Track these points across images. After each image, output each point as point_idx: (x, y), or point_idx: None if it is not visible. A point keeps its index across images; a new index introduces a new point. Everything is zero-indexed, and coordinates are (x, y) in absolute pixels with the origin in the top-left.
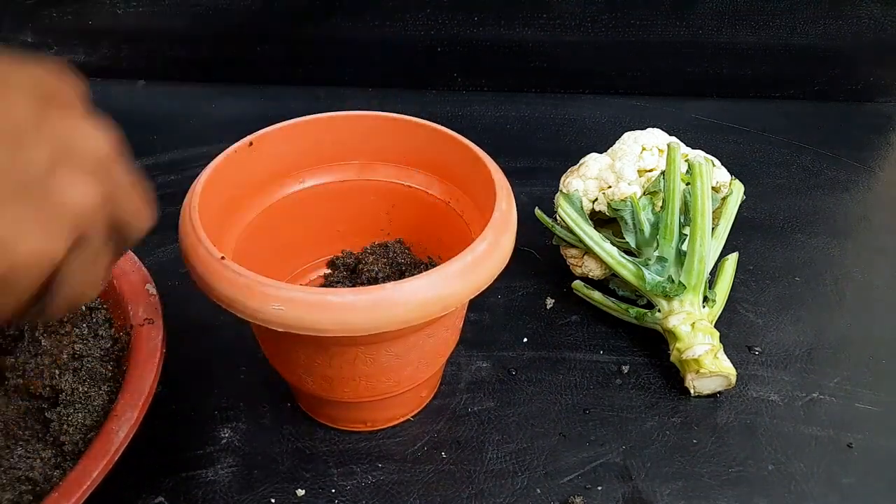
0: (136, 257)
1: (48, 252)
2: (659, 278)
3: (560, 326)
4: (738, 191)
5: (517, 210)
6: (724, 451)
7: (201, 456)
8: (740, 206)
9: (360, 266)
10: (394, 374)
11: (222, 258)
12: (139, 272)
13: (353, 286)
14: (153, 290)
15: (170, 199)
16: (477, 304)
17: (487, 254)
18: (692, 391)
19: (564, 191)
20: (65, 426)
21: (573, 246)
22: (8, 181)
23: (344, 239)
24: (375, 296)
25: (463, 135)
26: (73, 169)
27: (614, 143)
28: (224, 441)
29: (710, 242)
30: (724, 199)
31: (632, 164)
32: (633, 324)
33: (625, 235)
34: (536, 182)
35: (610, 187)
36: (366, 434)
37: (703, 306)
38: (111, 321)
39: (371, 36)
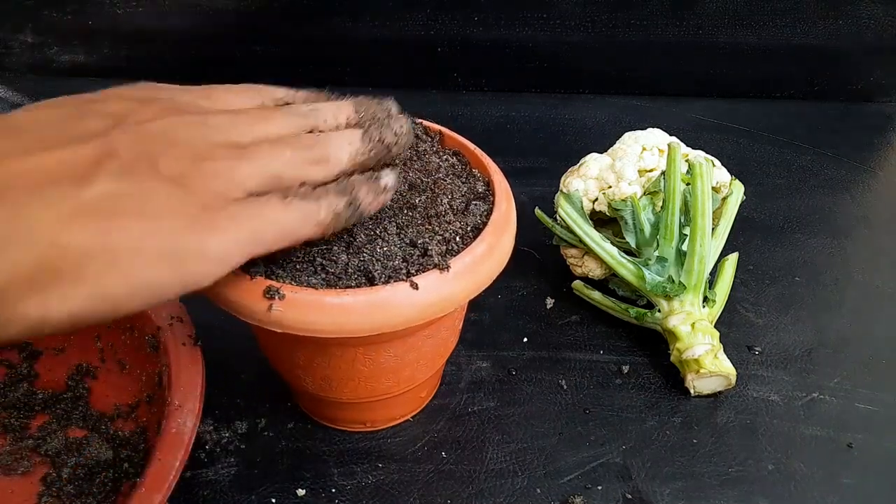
0: None
1: None
2: (659, 278)
3: (560, 326)
4: (738, 191)
5: (517, 210)
6: (724, 450)
7: (201, 456)
8: (740, 206)
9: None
10: (393, 374)
11: None
12: None
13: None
14: None
15: None
16: (477, 304)
17: (487, 254)
18: (692, 391)
19: (564, 191)
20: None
21: (573, 246)
22: None
23: None
24: (373, 297)
25: (463, 135)
26: None
27: (614, 143)
28: (224, 441)
29: (710, 242)
30: (724, 199)
31: (632, 164)
32: (633, 324)
33: (625, 235)
34: (536, 182)
35: (610, 187)
36: (366, 434)
37: (703, 306)
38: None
39: (371, 36)
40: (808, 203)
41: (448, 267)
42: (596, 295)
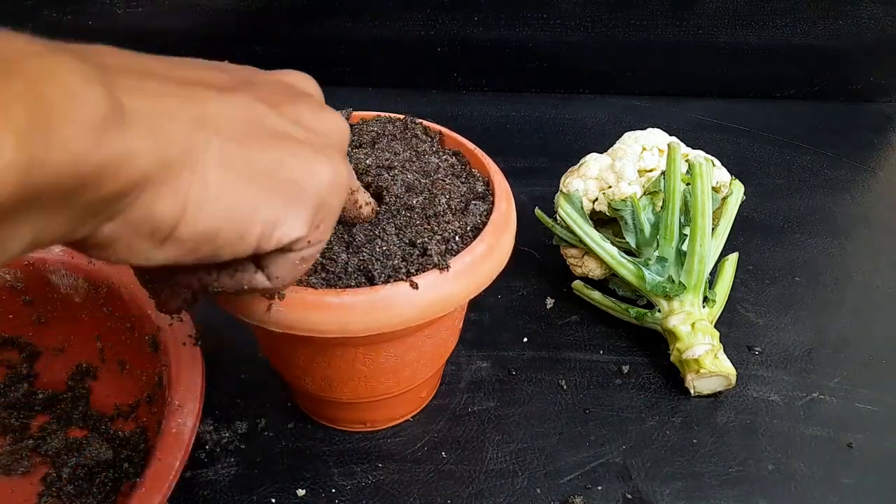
0: None
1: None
2: (659, 278)
3: (560, 326)
4: (738, 191)
5: (517, 210)
6: (724, 451)
7: (201, 456)
8: (740, 206)
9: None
10: (393, 374)
11: None
12: None
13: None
14: None
15: None
16: (477, 304)
17: (487, 254)
18: (692, 391)
19: (565, 191)
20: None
21: (573, 246)
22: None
23: None
24: (373, 296)
25: (463, 135)
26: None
27: (614, 143)
28: (224, 441)
29: (710, 242)
30: (724, 199)
31: (632, 164)
32: (633, 324)
33: (625, 235)
34: (536, 182)
35: (610, 187)
36: (366, 434)
37: (703, 306)
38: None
39: (371, 36)
40: (808, 203)
41: (448, 267)
42: (596, 295)
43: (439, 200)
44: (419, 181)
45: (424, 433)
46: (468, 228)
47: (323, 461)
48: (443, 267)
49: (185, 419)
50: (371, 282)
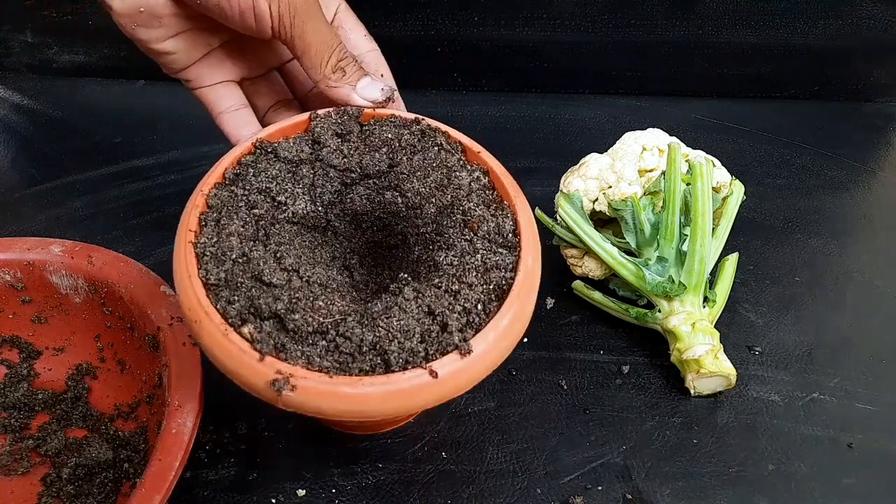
0: (140, 264)
1: None
2: (659, 278)
3: (560, 326)
4: (738, 191)
5: None
6: (724, 451)
7: (201, 456)
8: (740, 206)
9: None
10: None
11: (226, 331)
12: (149, 276)
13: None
14: (170, 291)
15: (170, 199)
16: None
17: (510, 327)
18: (692, 391)
19: (565, 191)
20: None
21: (573, 246)
22: None
23: None
24: (391, 387)
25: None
26: None
27: (614, 143)
28: (224, 441)
29: (710, 243)
30: (724, 199)
31: (632, 165)
32: (634, 324)
33: (625, 235)
34: (536, 182)
35: (610, 187)
36: (366, 434)
37: (704, 306)
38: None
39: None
40: (808, 203)
41: (470, 351)
42: (596, 295)
43: (463, 255)
44: (447, 217)
45: (424, 433)
46: (491, 288)
47: (323, 461)
48: (464, 351)
49: (185, 419)
50: (387, 366)
